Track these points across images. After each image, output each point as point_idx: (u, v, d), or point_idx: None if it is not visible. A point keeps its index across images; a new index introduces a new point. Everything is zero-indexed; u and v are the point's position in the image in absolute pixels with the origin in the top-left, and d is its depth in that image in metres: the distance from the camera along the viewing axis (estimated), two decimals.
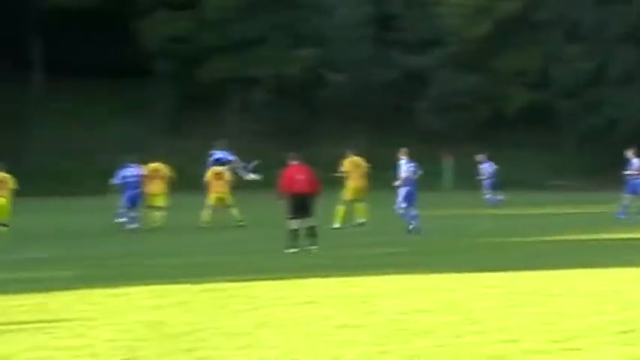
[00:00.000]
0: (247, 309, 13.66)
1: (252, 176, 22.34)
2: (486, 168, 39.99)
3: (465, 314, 12.66)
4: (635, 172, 31.36)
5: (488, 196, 39.57)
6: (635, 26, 57.68)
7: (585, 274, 17.03)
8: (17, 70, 55.34)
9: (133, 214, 29.97)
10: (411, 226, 26.75)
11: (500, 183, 40.79)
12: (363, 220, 29.19)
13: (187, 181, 34.97)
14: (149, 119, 57.11)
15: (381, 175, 32.65)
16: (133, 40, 55.59)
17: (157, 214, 29.95)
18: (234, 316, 13.11)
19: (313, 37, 57.37)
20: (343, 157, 30.04)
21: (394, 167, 27.92)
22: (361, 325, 12.09)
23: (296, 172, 22.66)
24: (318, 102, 58.28)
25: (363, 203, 29.57)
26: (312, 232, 22.39)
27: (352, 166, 29.56)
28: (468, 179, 43.43)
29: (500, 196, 39.65)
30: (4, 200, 26.03)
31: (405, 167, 27.01)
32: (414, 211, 26.98)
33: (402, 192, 26.93)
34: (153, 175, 30.27)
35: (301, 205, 22.38)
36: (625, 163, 31.86)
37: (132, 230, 29.49)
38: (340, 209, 29.09)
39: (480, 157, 40.78)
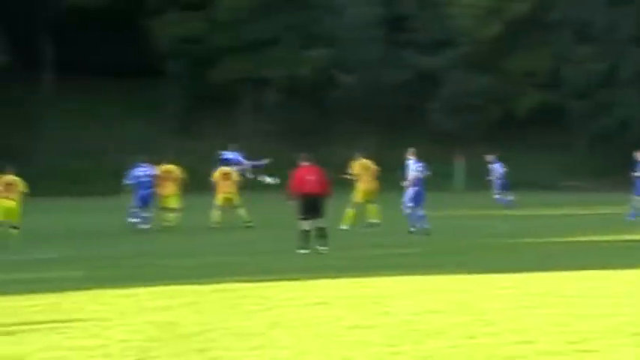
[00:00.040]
0: (259, 310, 13.64)
1: (269, 180, 22.31)
2: (497, 168, 39.92)
3: (477, 315, 12.61)
4: None
5: (497, 196, 39.49)
6: None
7: (598, 276, 16.96)
8: (28, 70, 55.44)
9: (144, 214, 29.97)
10: (413, 228, 26.66)
11: (510, 184, 40.71)
12: (376, 220, 29.13)
13: (198, 182, 34.93)
14: (160, 120, 57.16)
15: (392, 176, 32.59)
16: (144, 40, 55.64)
17: (171, 215, 29.90)
18: (245, 316, 13.08)
19: (325, 38, 57.35)
20: (352, 159, 29.99)
21: (402, 167, 27.86)
22: (373, 325, 12.05)
23: (306, 173, 22.64)
24: (329, 103, 58.26)
25: (374, 204, 29.53)
26: (322, 234, 22.36)
27: (362, 169, 29.52)
28: (479, 180, 43.35)
29: (510, 197, 39.58)
30: (14, 203, 25.98)
31: (413, 167, 26.97)
32: (421, 212, 26.92)
33: (410, 192, 26.89)
34: (165, 176, 30.25)
35: (312, 206, 22.35)
36: (634, 164, 31.76)
37: (143, 230, 29.49)
38: (349, 211, 29.05)
39: (489, 157, 40.73)
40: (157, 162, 31.03)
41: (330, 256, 21.55)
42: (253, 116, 58.35)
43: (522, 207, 38.89)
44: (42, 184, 50.86)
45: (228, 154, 33.02)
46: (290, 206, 22.93)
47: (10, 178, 26.19)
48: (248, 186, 32.38)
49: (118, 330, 12.21)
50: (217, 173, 30.82)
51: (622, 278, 16.58)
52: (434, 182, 51.34)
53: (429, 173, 27.73)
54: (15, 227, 25.90)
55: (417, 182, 26.92)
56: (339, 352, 10.51)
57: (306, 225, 22.35)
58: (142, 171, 30.24)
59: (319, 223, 22.40)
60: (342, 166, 31.60)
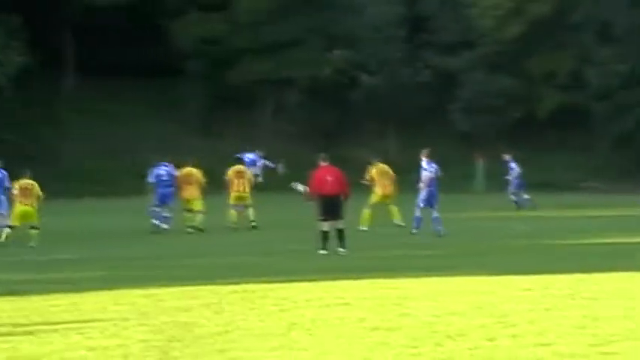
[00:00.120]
0: (278, 310, 13.63)
1: (300, 188, 22.30)
2: (514, 168, 39.82)
3: (498, 317, 12.57)
4: None
5: (513, 196, 39.36)
6: None
7: (620, 278, 16.87)
8: (49, 71, 55.64)
9: (165, 213, 30.00)
10: (415, 230, 26.55)
11: (527, 184, 40.63)
12: (401, 223, 28.87)
13: (218, 183, 34.97)
14: (181, 120, 57.26)
15: (413, 177, 32.54)
16: (165, 40, 55.75)
17: (197, 217, 29.82)
18: (265, 317, 13.08)
19: (346, 39, 57.33)
20: (370, 164, 29.90)
21: (417, 169, 27.79)
22: (394, 327, 12.02)
23: (326, 174, 22.61)
24: (350, 104, 58.25)
25: (395, 206, 29.40)
26: (340, 235, 22.32)
27: (379, 174, 29.42)
28: (499, 181, 43.18)
29: (526, 196, 39.48)
30: (31, 209, 25.98)
31: (427, 168, 26.90)
32: (435, 214, 26.83)
33: (423, 193, 26.83)
34: (186, 179, 30.21)
35: (331, 207, 22.32)
36: None
37: (164, 231, 29.52)
38: (366, 212, 28.98)
39: (506, 156, 40.62)
40: (178, 163, 31.02)
41: (350, 257, 21.52)
42: (274, 117, 58.39)
43: (542, 208, 38.75)
44: (63, 184, 51.09)
45: (248, 155, 33.07)
46: (309, 207, 22.89)
47: (26, 182, 26.18)
48: (265, 187, 32.46)
49: (138, 330, 12.23)
50: (231, 171, 30.79)
51: None
52: (455, 183, 51.44)
53: (442, 174, 27.64)
54: (34, 227, 25.95)
55: (431, 183, 26.84)
56: (359, 354, 10.49)
57: (326, 226, 22.32)
58: (164, 170, 30.28)
59: (338, 224, 22.35)
60: (363, 167, 31.56)
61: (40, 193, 26.08)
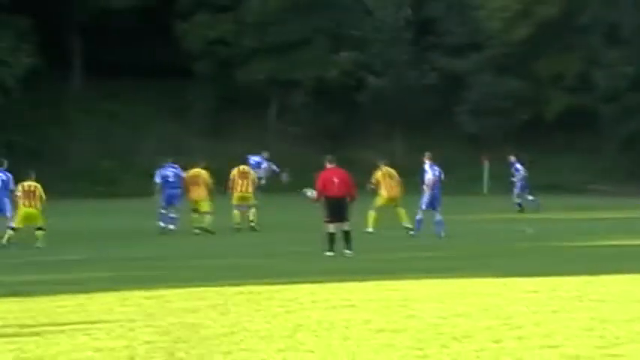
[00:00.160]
0: (284, 312, 13.63)
1: (309, 194, 22.31)
2: (520, 169, 39.78)
3: (504, 319, 12.56)
4: None
5: (517, 199, 39.30)
6: None
7: (628, 280, 16.85)
8: (57, 71, 55.74)
9: (171, 214, 30.02)
10: (413, 232, 26.50)
11: (533, 186, 40.60)
12: (409, 225, 28.81)
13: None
14: (189, 121, 57.31)
15: (418, 179, 32.53)
16: (173, 41, 55.81)
17: (206, 218, 29.81)
18: (271, 318, 13.08)
19: (352, 41, 57.34)
20: (376, 167, 29.87)
21: (420, 172, 27.78)
22: (400, 329, 12.02)
23: (332, 175, 22.61)
24: (357, 105, 58.25)
25: (402, 208, 29.35)
26: (347, 237, 22.31)
27: (384, 178, 29.39)
28: (506, 183, 43.13)
29: (530, 197, 39.44)
30: (35, 210, 25.98)
31: (430, 171, 26.91)
32: (438, 217, 26.84)
33: (426, 196, 26.84)
34: (193, 180, 30.22)
35: (337, 209, 22.31)
36: None
37: (170, 232, 29.55)
38: (371, 214, 28.97)
39: (511, 158, 40.59)
40: (186, 165, 31.01)
41: (356, 258, 21.51)
42: (280, 118, 58.42)
43: (550, 210, 38.71)
44: (71, 184, 51.20)
45: (253, 158, 33.07)
46: (315, 208, 22.89)
47: (30, 184, 26.18)
48: (270, 188, 32.46)
49: (144, 331, 12.24)
50: (235, 171, 30.78)
51: None
52: (461, 185, 51.38)
53: (445, 177, 27.64)
54: (40, 228, 25.96)
55: (434, 186, 26.85)
56: (365, 356, 10.49)
57: (331, 227, 22.31)
58: (171, 171, 30.30)
59: (344, 226, 22.35)
60: (369, 168, 31.54)
61: (44, 195, 26.07)
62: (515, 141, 54.64)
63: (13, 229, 25.96)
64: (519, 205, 39.05)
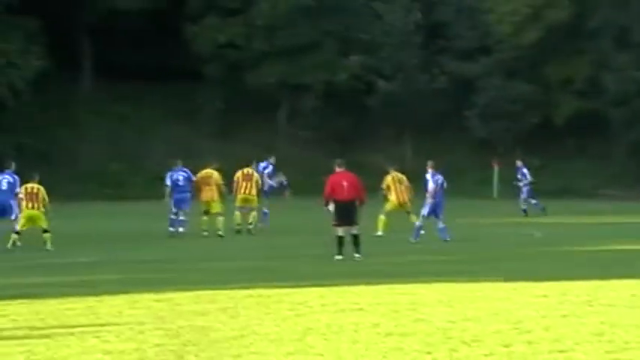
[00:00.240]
0: (294, 315, 13.63)
1: (331, 208, 22.44)
2: (527, 174, 39.75)
3: (514, 323, 12.55)
4: None
5: (523, 205, 39.25)
6: None
7: (637, 285, 16.79)
8: (67, 73, 55.85)
9: (181, 217, 30.03)
10: (413, 240, 26.46)
11: (542, 190, 40.54)
12: (422, 231, 28.69)
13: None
14: (198, 124, 57.37)
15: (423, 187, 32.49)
16: (183, 44, 55.89)
17: (218, 220, 29.80)
18: (280, 322, 13.09)
19: (362, 44, 57.36)
20: (386, 172, 29.85)
21: (424, 179, 27.76)
22: (409, 332, 12.02)
23: (341, 179, 22.60)
24: (366, 109, 58.25)
25: (413, 214, 29.30)
26: (356, 241, 22.30)
27: (394, 182, 29.38)
28: (515, 188, 43.05)
29: (534, 200, 39.38)
30: (38, 213, 25.99)
31: (432, 180, 26.94)
32: (441, 224, 26.88)
33: (428, 205, 26.86)
34: (205, 181, 30.23)
35: (346, 212, 22.30)
36: None
37: (179, 234, 29.55)
38: (381, 218, 28.96)
39: (519, 162, 40.58)
40: (196, 168, 31.00)
41: (365, 262, 21.50)
42: (290, 122, 58.44)
43: (560, 215, 38.66)
44: (81, 186, 51.28)
45: (261, 164, 32.95)
46: (325, 212, 22.87)
47: (32, 186, 26.20)
48: (274, 191, 32.38)
49: (153, 334, 12.26)
50: (239, 173, 30.76)
51: None
52: (471, 189, 51.29)
53: (447, 185, 27.65)
54: (46, 231, 25.99)
55: (436, 195, 26.88)
56: (374, 359, 10.48)
57: (340, 231, 22.31)
58: (181, 175, 30.31)
59: (353, 230, 22.34)
60: (379, 172, 31.53)
61: (46, 196, 26.09)
62: (525, 146, 54.57)
63: (17, 232, 26.01)
64: (524, 211, 39.06)
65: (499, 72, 57.61)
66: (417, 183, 30.76)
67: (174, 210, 29.90)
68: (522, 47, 56.86)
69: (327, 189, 22.60)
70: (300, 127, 57.65)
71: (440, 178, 27.25)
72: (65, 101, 56.59)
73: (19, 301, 15.48)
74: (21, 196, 26.21)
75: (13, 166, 27.91)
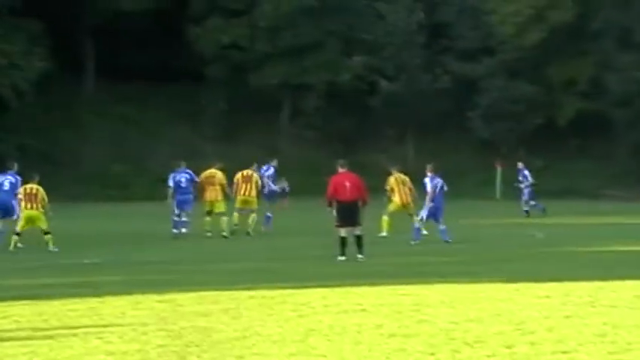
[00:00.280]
0: (296, 316, 13.64)
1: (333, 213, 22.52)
2: (528, 176, 39.77)
3: (516, 324, 12.55)
4: None
5: (525, 207, 39.25)
6: None
7: (638, 286, 16.79)
8: (70, 74, 55.91)
9: (183, 218, 30.04)
10: (413, 242, 26.46)
11: (544, 191, 40.54)
12: (424, 232, 28.73)
13: None
14: (201, 125, 57.41)
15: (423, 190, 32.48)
16: (186, 45, 55.95)
17: (222, 220, 29.82)
18: (283, 323, 13.09)
19: (365, 45, 57.40)
20: (389, 174, 29.85)
21: (428, 180, 27.75)
22: (412, 334, 12.02)
23: (344, 180, 22.59)
24: (369, 109, 58.29)
25: (415, 216, 29.29)
26: (358, 242, 22.29)
27: (397, 184, 29.38)
28: (517, 189, 43.07)
29: (532, 202, 39.38)
30: (36, 213, 25.99)
31: (431, 184, 26.94)
32: (442, 226, 26.88)
33: (427, 208, 26.86)
34: (209, 181, 30.24)
35: (348, 213, 22.29)
36: None
37: (182, 235, 29.57)
38: (385, 219, 28.97)
39: (520, 164, 40.61)
40: (200, 168, 31.03)
41: (368, 263, 21.51)
42: (292, 122, 58.48)
43: (562, 215, 38.64)
44: (84, 187, 51.34)
45: (263, 168, 32.93)
46: (328, 213, 22.87)
47: (31, 186, 26.22)
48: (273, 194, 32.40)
49: (156, 335, 12.27)
50: (239, 175, 30.76)
51: None
52: (474, 190, 51.25)
53: (447, 188, 27.65)
54: (47, 233, 26.00)
55: (435, 198, 26.87)
56: None
57: (343, 232, 22.31)
58: (184, 177, 30.32)
59: (356, 230, 22.33)
60: (381, 173, 31.52)
61: (46, 197, 26.10)
62: (527, 146, 54.59)
63: (17, 234, 26.03)
64: (526, 212, 39.06)
65: (502, 73, 57.62)
66: (420, 184, 30.77)
67: (176, 212, 29.90)
68: (525, 48, 56.87)
69: (330, 189, 22.58)
70: (303, 128, 57.68)
71: (439, 181, 27.22)
72: (68, 102, 56.64)
73: (22, 302, 15.50)
74: (20, 196, 26.23)
75: (16, 166, 27.93)
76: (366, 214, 23.07)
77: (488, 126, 57.10)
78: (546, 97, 57.62)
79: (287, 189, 33.00)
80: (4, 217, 27.11)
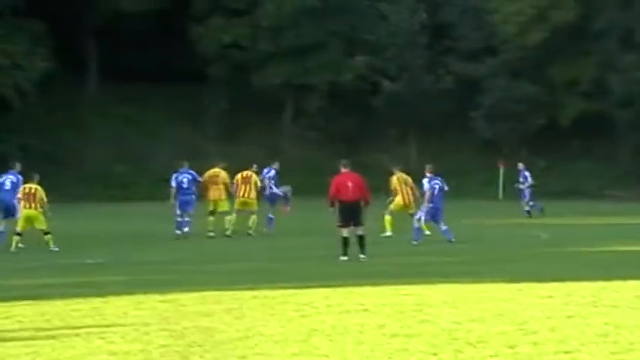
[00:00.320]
0: (299, 316, 13.64)
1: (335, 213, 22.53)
2: (528, 177, 39.77)
3: (519, 324, 12.55)
4: None
5: (527, 208, 39.25)
6: None
7: None
8: (72, 74, 55.94)
9: (186, 218, 30.06)
10: (415, 242, 26.45)
11: (547, 192, 40.51)
12: (426, 232, 28.73)
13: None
14: (203, 125, 57.43)
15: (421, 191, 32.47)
16: (188, 45, 55.97)
17: (226, 219, 29.83)
18: (285, 323, 13.10)
19: (367, 45, 57.40)
20: (391, 174, 29.85)
21: (442, 175, 27.75)
22: (414, 334, 12.02)
23: (346, 180, 22.59)
24: (371, 109, 58.28)
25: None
26: (361, 242, 22.29)
27: (400, 183, 29.39)
28: (517, 190, 43.05)
29: (531, 202, 39.38)
30: (35, 212, 25.99)
31: (428, 185, 26.93)
32: (444, 226, 26.88)
33: (425, 209, 26.86)
34: (213, 180, 30.26)
35: (351, 213, 22.29)
36: None
37: (184, 234, 29.57)
38: (387, 218, 28.97)
39: (520, 165, 40.61)
40: (203, 168, 31.03)
41: (370, 263, 21.51)
42: (295, 122, 58.48)
43: (565, 216, 38.63)
44: (87, 187, 51.37)
45: (265, 170, 32.90)
46: (331, 213, 22.87)
47: (30, 186, 26.23)
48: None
49: (159, 335, 12.28)
50: (239, 176, 30.76)
51: None
52: (476, 190, 51.22)
53: (447, 189, 27.66)
54: (46, 233, 26.00)
55: (434, 199, 26.86)
56: None
57: (345, 232, 22.31)
58: (186, 177, 30.33)
59: (358, 230, 22.34)
60: (384, 173, 31.52)
61: (45, 197, 26.11)
62: (530, 147, 54.56)
63: (18, 234, 26.05)
64: (528, 212, 39.07)
65: (504, 73, 57.59)
66: (421, 184, 30.77)
67: (178, 212, 29.90)
68: (528, 48, 56.85)
69: (332, 189, 22.59)
70: (306, 128, 57.67)
71: (438, 183, 27.17)
72: (71, 103, 56.68)
73: (25, 302, 15.51)
74: (19, 196, 26.25)
75: (18, 166, 27.95)
76: (368, 214, 23.06)
77: (490, 126, 57.08)
78: (549, 97, 57.59)
79: (289, 194, 32.93)
80: (6, 216, 27.13)
